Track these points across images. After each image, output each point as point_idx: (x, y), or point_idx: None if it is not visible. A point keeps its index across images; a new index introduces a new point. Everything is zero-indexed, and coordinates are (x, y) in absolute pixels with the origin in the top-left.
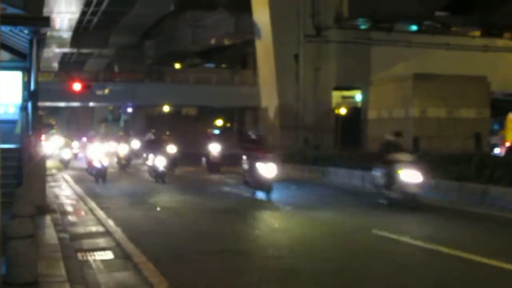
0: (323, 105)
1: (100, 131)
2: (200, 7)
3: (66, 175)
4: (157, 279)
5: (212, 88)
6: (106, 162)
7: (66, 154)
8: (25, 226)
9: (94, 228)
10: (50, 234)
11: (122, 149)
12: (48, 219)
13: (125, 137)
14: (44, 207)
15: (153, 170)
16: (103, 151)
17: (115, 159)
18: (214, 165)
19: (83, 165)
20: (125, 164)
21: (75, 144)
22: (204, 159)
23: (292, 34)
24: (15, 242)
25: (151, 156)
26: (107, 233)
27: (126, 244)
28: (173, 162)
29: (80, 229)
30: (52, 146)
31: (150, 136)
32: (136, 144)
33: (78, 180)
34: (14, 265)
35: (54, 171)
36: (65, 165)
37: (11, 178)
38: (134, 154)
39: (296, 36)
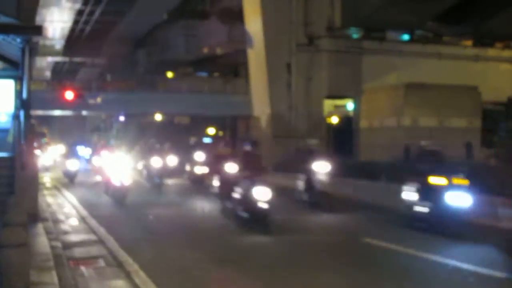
0: (315, 114)
1: (93, 140)
2: (192, 16)
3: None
4: None
5: (204, 97)
6: (128, 180)
7: (73, 165)
8: (17, 235)
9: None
10: (42, 242)
11: (156, 161)
12: (40, 227)
13: (158, 147)
14: (36, 215)
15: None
16: (125, 165)
17: (144, 173)
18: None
19: (90, 179)
20: (160, 182)
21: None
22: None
23: (284, 43)
24: (7, 250)
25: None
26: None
27: None
28: None
29: (72, 238)
30: (51, 155)
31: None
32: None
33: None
34: (6, 274)
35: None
36: (70, 179)
37: (3, 187)
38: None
39: (288, 45)
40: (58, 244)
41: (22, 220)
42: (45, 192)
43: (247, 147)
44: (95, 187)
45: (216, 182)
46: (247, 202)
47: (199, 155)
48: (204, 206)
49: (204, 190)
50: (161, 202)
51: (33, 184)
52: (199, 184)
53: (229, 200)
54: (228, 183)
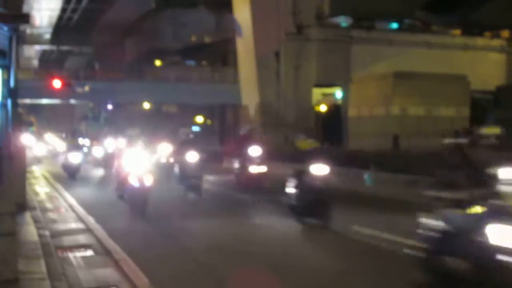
0: (304, 102)
1: (81, 128)
2: (181, 5)
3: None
4: None
5: (192, 85)
6: (149, 180)
7: (75, 158)
8: (5, 224)
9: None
10: (30, 231)
11: (192, 157)
12: (28, 216)
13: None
14: (24, 204)
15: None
16: (145, 160)
17: (175, 172)
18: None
19: (93, 173)
20: (197, 184)
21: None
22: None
23: (272, 32)
24: None
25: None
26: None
27: None
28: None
29: (60, 226)
30: (44, 146)
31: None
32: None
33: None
34: None
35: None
36: (72, 174)
37: None
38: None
39: (276, 34)
40: (46, 233)
41: (10, 209)
42: (40, 194)
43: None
44: (102, 186)
45: (293, 189)
46: None
47: (255, 150)
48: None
49: (264, 197)
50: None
51: (20, 173)
52: (255, 189)
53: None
54: (312, 191)
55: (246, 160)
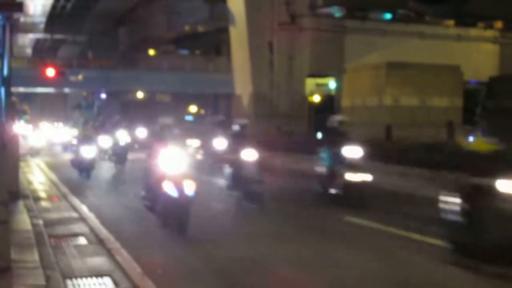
0: (297, 93)
1: (74, 117)
2: None
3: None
4: None
5: (186, 75)
6: (191, 189)
7: (88, 152)
8: None
9: None
10: (23, 220)
11: (250, 155)
12: (21, 205)
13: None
14: (17, 193)
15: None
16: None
17: (226, 174)
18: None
19: (108, 172)
20: (257, 191)
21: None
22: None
23: (266, 21)
24: None
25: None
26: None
27: None
28: None
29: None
30: (42, 135)
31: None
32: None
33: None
34: None
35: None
36: (84, 171)
37: None
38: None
39: (270, 24)
40: (40, 222)
41: (3, 197)
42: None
43: None
44: (121, 189)
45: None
46: None
47: (354, 150)
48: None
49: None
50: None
51: (13, 161)
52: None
53: None
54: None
55: (338, 163)
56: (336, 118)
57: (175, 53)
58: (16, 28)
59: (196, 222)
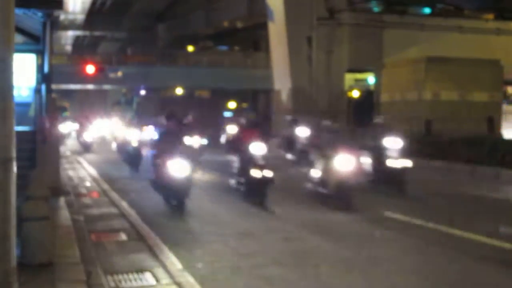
0: (336, 88)
1: (113, 113)
2: None
3: None
4: None
5: (224, 70)
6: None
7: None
8: (40, 208)
9: None
10: (64, 215)
11: (346, 162)
12: (62, 201)
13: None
14: (58, 189)
15: None
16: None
17: (312, 177)
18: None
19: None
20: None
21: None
22: None
23: (305, 16)
24: (29, 223)
25: None
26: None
27: None
28: None
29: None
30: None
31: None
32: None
33: None
34: (29, 247)
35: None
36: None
37: (25, 160)
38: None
39: (308, 19)
40: (80, 218)
41: (44, 193)
42: None
43: None
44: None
45: None
46: None
47: (395, 142)
48: None
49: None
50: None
51: (54, 157)
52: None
53: None
54: None
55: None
56: (378, 120)
57: (214, 49)
58: (56, 25)
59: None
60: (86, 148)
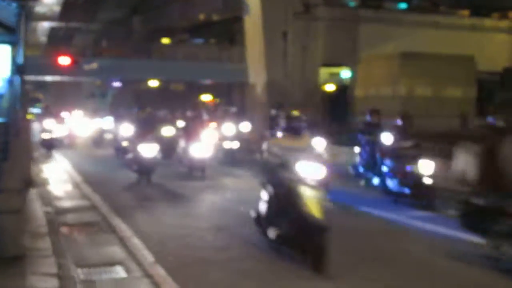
0: (311, 82)
1: (88, 106)
2: None
3: None
4: None
5: (200, 64)
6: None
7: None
8: (12, 201)
9: None
10: (35, 208)
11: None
12: (34, 193)
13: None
14: (30, 181)
15: None
16: None
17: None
18: None
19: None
20: None
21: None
22: None
23: (280, 11)
24: (1, 216)
25: None
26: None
27: None
28: None
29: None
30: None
31: None
32: None
33: None
34: (1, 240)
35: None
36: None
37: None
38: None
39: (284, 13)
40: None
41: (17, 186)
42: None
43: None
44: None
45: None
46: None
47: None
48: None
49: None
50: None
51: (27, 150)
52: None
53: None
54: None
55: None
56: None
57: (189, 42)
58: (31, 16)
59: None
60: (49, 147)
